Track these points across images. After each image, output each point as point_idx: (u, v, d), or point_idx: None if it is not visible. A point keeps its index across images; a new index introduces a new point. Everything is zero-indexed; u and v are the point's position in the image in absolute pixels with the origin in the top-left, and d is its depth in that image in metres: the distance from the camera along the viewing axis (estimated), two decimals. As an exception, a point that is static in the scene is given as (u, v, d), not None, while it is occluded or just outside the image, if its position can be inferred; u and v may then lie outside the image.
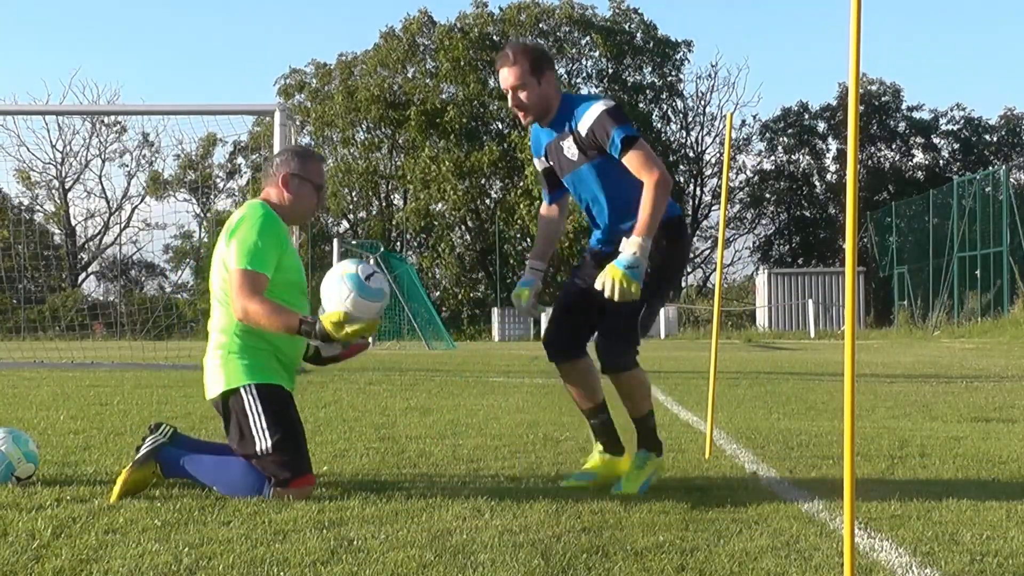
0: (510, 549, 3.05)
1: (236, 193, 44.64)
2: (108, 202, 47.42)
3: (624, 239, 3.82)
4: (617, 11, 43.56)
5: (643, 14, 43.92)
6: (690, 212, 45.58)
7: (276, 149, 10.88)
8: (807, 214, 46.47)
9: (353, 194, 44.51)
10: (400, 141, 43.13)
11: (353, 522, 3.42)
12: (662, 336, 32.73)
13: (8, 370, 12.29)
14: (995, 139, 46.34)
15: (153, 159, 47.33)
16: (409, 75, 43.01)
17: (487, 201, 42.59)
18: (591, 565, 2.89)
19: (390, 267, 26.29)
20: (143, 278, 49.43)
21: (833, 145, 46.00)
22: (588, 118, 3.92)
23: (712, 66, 63.09)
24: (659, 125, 44.76)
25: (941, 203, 31.85)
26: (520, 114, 4.11)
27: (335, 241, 24.20)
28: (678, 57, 44.22)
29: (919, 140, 46.41)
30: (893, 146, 46.30)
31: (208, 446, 4.25)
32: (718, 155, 44.99)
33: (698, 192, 45.79)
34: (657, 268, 3.93)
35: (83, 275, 46.59)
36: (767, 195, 46.60)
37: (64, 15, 71.97)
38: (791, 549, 3.07)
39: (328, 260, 29.07)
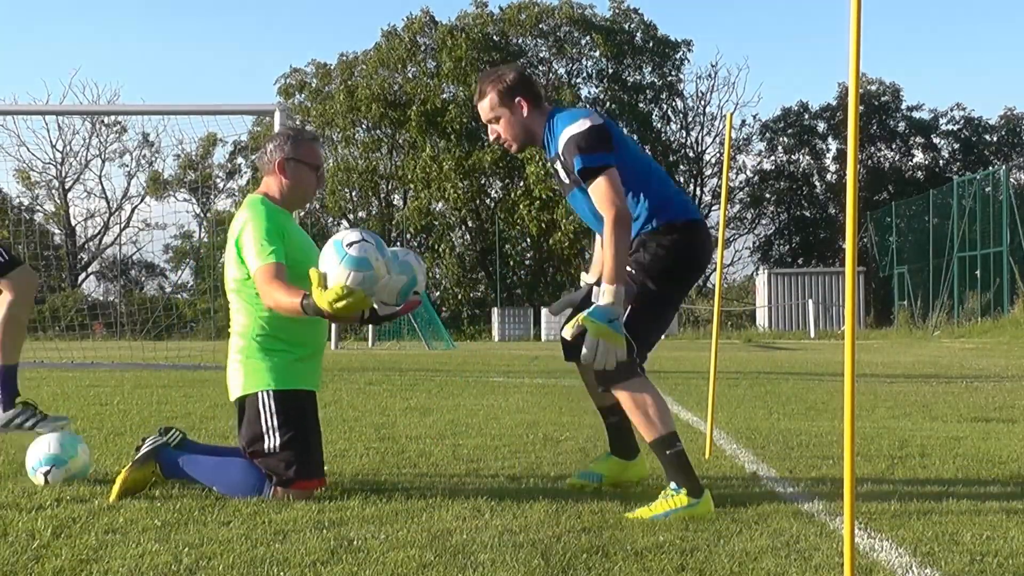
0: (510, 549, 3.05)
1: (236, 193, 44.64)
2: (108, 202, 47.45)
3: (595, 287, 3.63)
4: (617, 11, 43.56)
5: (643, 14, 43.94)
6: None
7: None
8: (807, 214, 46.46)
9: (353, 194, 44.51)
10: (400, 141, 43.12)
11: (353, 522, 3.42)
12: (662, 336, 32.69)
13: (8, 370, 12.28)
14: (995, 139, 46.32)
15: (153, 159, 47.35)
16: (410, 75, 43.01)
17: (487, 201, 42.58)
18: (591, 565, 2.89)
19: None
20: (143, 278, 49.45)
21: (833, 145, 46.02)
22: (561, 143, 3.72)
23: (712, 66, 63.03)
24: (659, 125, 44.75)
25: (941, 203, 31.86)
26: (505, 146, 3.96)
27: (335, 241, 24.10)
28: (678, 57, 44.21)
29: (919, 140, 46.40)
30: (893, 146, 46.30)
31: (212, 449, 4.26)
32: (718, 155, 45.00)
33: (698, 192, 45.78)
34: (661, 272, 3.73)
35: (83, 275, 46.59)
36: (767, 195, 46.59)
37: (64, 15, 71.98)
38: (791, 549, 3.07)
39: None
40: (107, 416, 6.81)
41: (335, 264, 3.51)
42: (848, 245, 2.72)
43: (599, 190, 3.59)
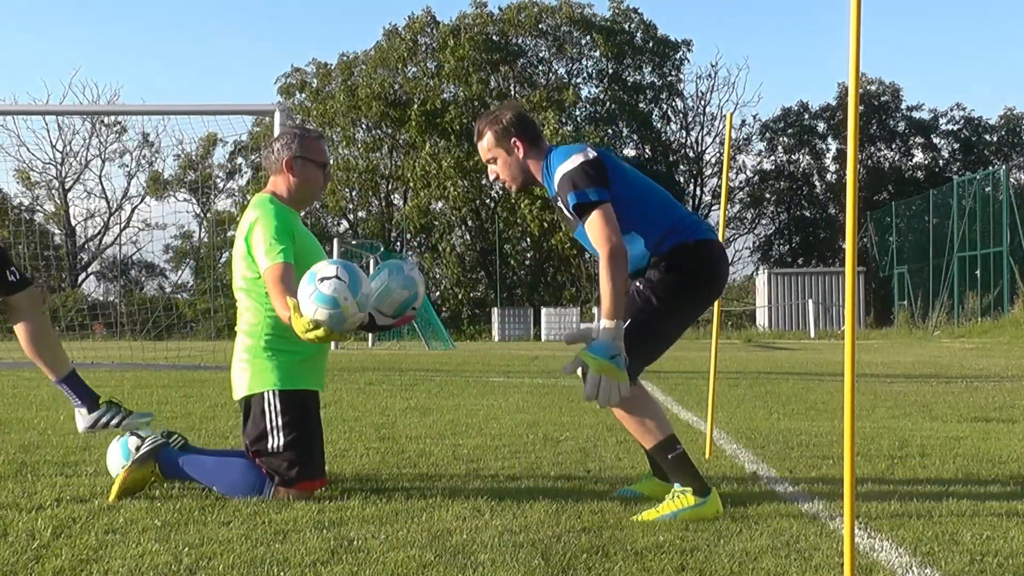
0: (510, 549, 3.05)
1: (236, 193, 44.66)
2: (108, 202, 47.46)
3: (595, 324, 3.59)
4: (617, 11, 43.56)
5: (643, 14, 43.96)
6: (696, 213, 45.56)
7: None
8: (807, 214, 46.47)
9: (353, 194, 44.52)
10: (400, 141, 43.14)
11: (353, 522, 3.42)
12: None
13: (8, 370, 12.29)
14: (995, 139, 46.33)
15: (153, 159, 47.37)
16: (410, 75, 43.02)
17: (488, 201, 42.59)
18: (591, 565, 2.89)
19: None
20: (143, 278, 49.45)
21: (833, 145, 46.03)
22: (555, 183, 3.69)
23: (712, 66, 63.11)
24: (659, 125, 44.77)
25: (941, 203, 31.86)
26: (505, 185, 3.92)
27: (335, 241, 24.20)
28: (678, 57, 44.23)
29: (919, 140, 46.40)
30: (893, 146, 46.30)
31: (212, 452, 4.26)
32: (718, 155, 45.01)
33: (698, 192, 45.81)
34: (668, 289, 3.69)
35: (83, 275, 46.59)
36: (767, 195, 46.60)
37: (64, 15, 72.00)
38: (791, 549, 3.07)
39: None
40: (107, 416, 6.80)
41: (306, 296, 3.48)
42: (848, 245, 2.72)
43: (593, 226, 3.56)
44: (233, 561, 2.91)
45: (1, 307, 4.27)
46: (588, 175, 3.61)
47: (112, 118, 45.34)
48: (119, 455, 4.09)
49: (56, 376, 4.28)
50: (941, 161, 46.54)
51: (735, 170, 45.02)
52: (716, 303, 5.42)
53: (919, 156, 46.89)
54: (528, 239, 41.32)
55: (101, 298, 41.91)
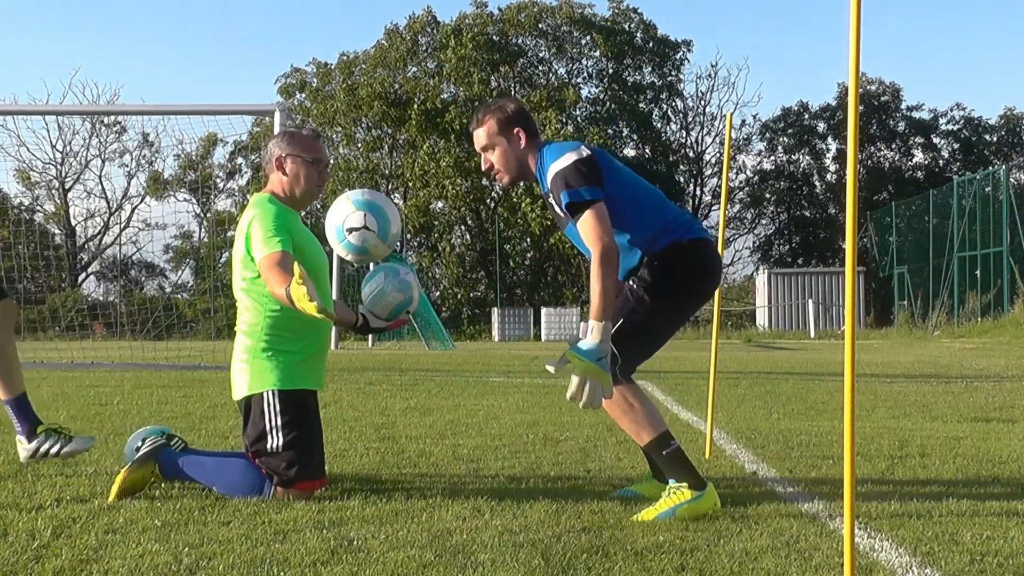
0: (510, 549, 3.05)
1: (236, 193, 44.64)
2: (108, 202, 47.44)
3: (583, 324, 3.67)
4: (617, 11, 43.56)
5: (643, 14, 43.95)
6: (690, 212, 45.54)
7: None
8: (807, 214, 46.46)
9: (353, 194, 44.48)
10: (400, 141, 43.14)
11: (353, 522, 3.42)
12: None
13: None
14: (995, 139, 46.31)
15: (153, 159, 47.35)
16: (410, 74, 43.03)
17: (488, 201, 42.60)
18: (591, 565, 2.89)
19: (390, 267, 26.25)
20: (143, 278, 49.43)
21: (833, 145, 46.00)
22: (548, 180, 3.67)
23: (712, 66, 63.06)
24: (659, 125, 44.75)
25: (941, 203, 31.85)
26: (496, 177, 3.88)
27: (335, 241, 24.12)
28: (678, 57, 44.22)
29: (919, 140, 46.38)
30: (893, 146, 46.28)
31: (212, 453, 4.26)
32: (718, 155, 44.99)
33: (698, 192, 45.80)
34: (660, 287, 3.67)
35: (83, 275, 46.58)
36: (767, 195, 46.58)
37: (64, 15, 71.99)
38: (791, 549, 3.07)
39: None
40: (107, 416, 6.82)
41: (336, 245, 3.82)
42: (848, 245, 2.72)
43: (585, 225, 3.53)
44: (233, 561, 2.91)
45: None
46: (581, 173, 3.59)
47: (112, 118, 45.33)
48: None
49: (5, 396, 4.22)
50: (941, 161, 46.53)
51: (735, 170, 45.03)
52: (716, 303, 5.43)
53: (919, 156, 46.90)
54: (528, 239, 41.30)
55: (101, 298, 41.94)
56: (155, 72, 71.97)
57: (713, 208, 45.10)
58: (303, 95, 44.40)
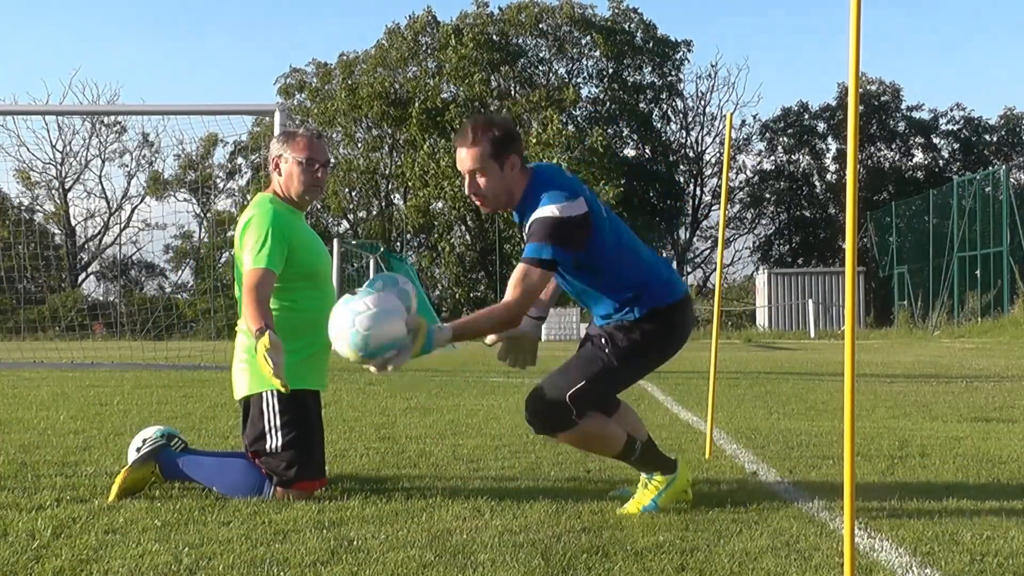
0: (510, 549, 3.05)
1: (236, 193, 44.62)
2: (108, 202, 47.44)
3: (534, 320, 3.77)
4: (617, 11, 43.58)
5: (643, 14, 43.97)
6: (690, 212, 45.60)
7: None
8: (807, 214, 46.46)
9: (353, 194, 44.52)
10: (400, 141, 43.15)
11: (353, 522, 3.42)
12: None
13: (8, 370, 12.29)
14: (995, 139, 46.32)
15: (153, 159, 47.34)
16: (410, 74, 43.05)
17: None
18: (591, 565, 2.89)
19: (390, 267, 26.27)
20: (143, 278, 49.42)
21: (833, 145, 46.02)
22: (529, 220, 3.50)
23: (712, 66, 63.05)
24: (659, 125, 44.76)
25: (941, 203, 31.85)
26: (477, 202, 3.64)
27: (335, 241, 24.16)
28: (678, 57, 44.23)
29: (919, 140, 46.39)
30: (893, 146, 46.29)
31: (212, 453, 4.26)
32: (718, 155, 44.99)
33: (698, 192, 45.81)
34: (631, 355, 3.63)
35: (83, 275, 46.58)
36: (767, 195, 46.59)
37: (64, 15, 71.99)
38: (791, 549, 3.07)
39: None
40: (107, 416, 6.82)
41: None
42: (848, 245, 2.72)
43: (517, 274, 3.44)
44: (233, 561, 2.91)
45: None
46: (560, 233, 3.41)
47: (112, 118, 45.32)
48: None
49: None
50: (941, 161, 46.53)
51: (735, 170, 45.03)
52: (716, 303, 5.44)
53: (919, 156, 46.91)
54: (528, 239, 41.27)
55: (101, 298, 41.92)
56: (155, 72, 72.01)
57: (713, 208, 45.11)
58: (303, 95, 44.41)
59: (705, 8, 66.83)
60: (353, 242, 33.02)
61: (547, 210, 3.43)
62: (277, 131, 11.67)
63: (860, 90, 2.92)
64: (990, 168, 36.17)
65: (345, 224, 45.35)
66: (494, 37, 42.13)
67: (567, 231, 3.43)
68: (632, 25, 43.81)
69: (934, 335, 26.35)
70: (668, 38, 43.92)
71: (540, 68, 43.68)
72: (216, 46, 74.34)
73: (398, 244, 42.74)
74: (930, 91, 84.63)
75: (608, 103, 43.77)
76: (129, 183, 48.21)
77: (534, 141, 38.95)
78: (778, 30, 68.19)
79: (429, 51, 42.97)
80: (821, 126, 46.33)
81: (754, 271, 43.33)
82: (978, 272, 27.79)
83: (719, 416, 6.35)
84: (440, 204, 41.73)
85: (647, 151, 44.92)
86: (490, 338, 3.66)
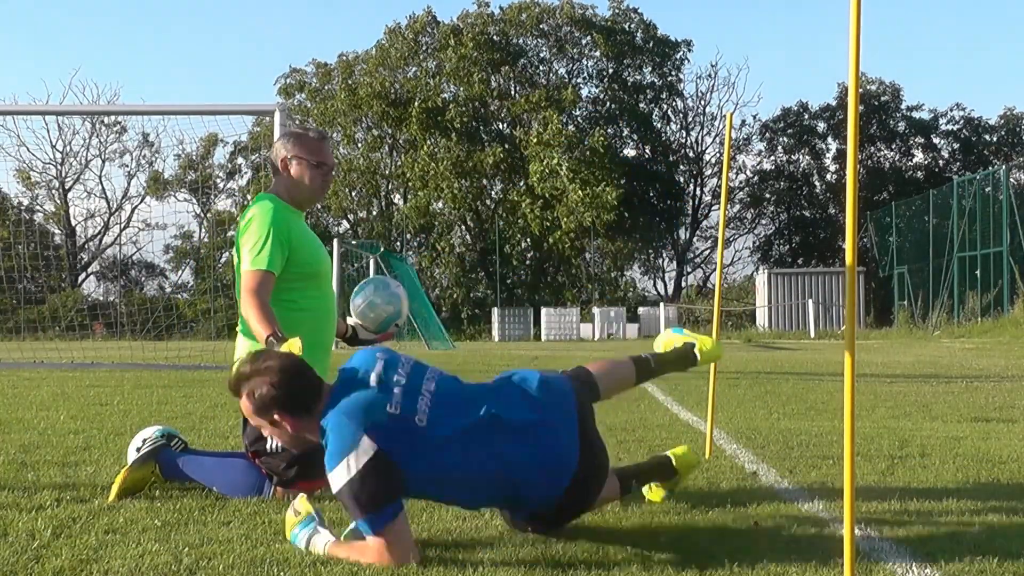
0: (510, 549, 3.05)
1: (236, 193, 44.65)
2: (108, 202, 47.46)
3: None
4: (617, 11, 43.61)
5: (643, 14, 44.00)
6: (690, 212, 45.60)
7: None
8: (807, 214, 46.46)
9: (353, 193, 44.53)
10: (400, 141, 43.15)
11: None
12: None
13: (8, 370, 12.29)
14: (995, 139, 46.32)
15: (153, 159, 47.36)
16: (410, 74, 43.06)
17: (487, 201, 42.61)
18: (591, 565, 2.89)
19: (390, 267, 26.28)
20: (143, 278, 49.43)
21: (833, 145, 46.03)
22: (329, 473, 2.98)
23: (712, 66, 63.15)
24: (659, 125, 44.77)
25: (941, 203, 31.85)
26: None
27: (335, 241, 24.19)
28: (678, 57, 44.25)
29: (919, 140, 46.39)
30: (893, 146, 46.29)
31: (212, 453, 4.26)
32: (718, 155, 45.00)
33: (698, 192, 45.81)
34: None
35: (83, 275, 46.59)
36: (767, 195, 46.60)
37: (64, 15, 71.99)
38: (791, 549, 3.07)
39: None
40: (107, 416, 6.81)
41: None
42: (848, 245, 2.72)
43: (377, 546, 2.89)
44: (233, 561, 2.91)
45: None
46: (364, 497, 2.88)
47: (112, 118, 45.35)
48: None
49: None
50: (941, 161, 46.53)
51: (735, 170, 45.03)
52: (716, 303, 5.44)
53: (919, 156, 46.91)
54: (528, 239, 41.31)
55: (101, 298, 41.95)
56: (155, 72, 72.00)
57: (713, 208, 45.12)
58: (303, 95, 44.42)
59: (705, 8, 66.87)
60: (353, 242, 33.02)
61: (338, 474, 2.92)
62: (277, 131, 11.67)
63: (860, 90, 2.92)
64: (990, 168, 36.17)
65: (345, 224, 45.36)
66: (494, 37, 42.15)
67: (368, 488, 2.88)
68: (632, 25, 43.84)
69: (934, 335, 26.35)
70: (668, 38, 43.96)
71: (540, 68, 43.70)
72: (216, 46, 74.35)
73: (398, 244, 42.75)
74: (930, 91, 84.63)
75: (608, 103, 43.78)
76: (129, 183, 48.27)
77: (534, 141, 38.95)
78: (778, 30, 68.23)
79: (429, 51, 42.98)
80: (821, 126, 46.35)
81: (754, 271, 43.33)
82: (978, 272, 27.79)
83: (719, 416, 6.35)
84: (440, 204, 41.75)
85: (647, 151, 44.93)
86: None
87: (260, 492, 3.80)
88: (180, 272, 49.12)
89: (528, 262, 42.51)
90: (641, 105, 43.99)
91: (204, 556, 2.96)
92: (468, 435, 2.99)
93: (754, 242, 47.10)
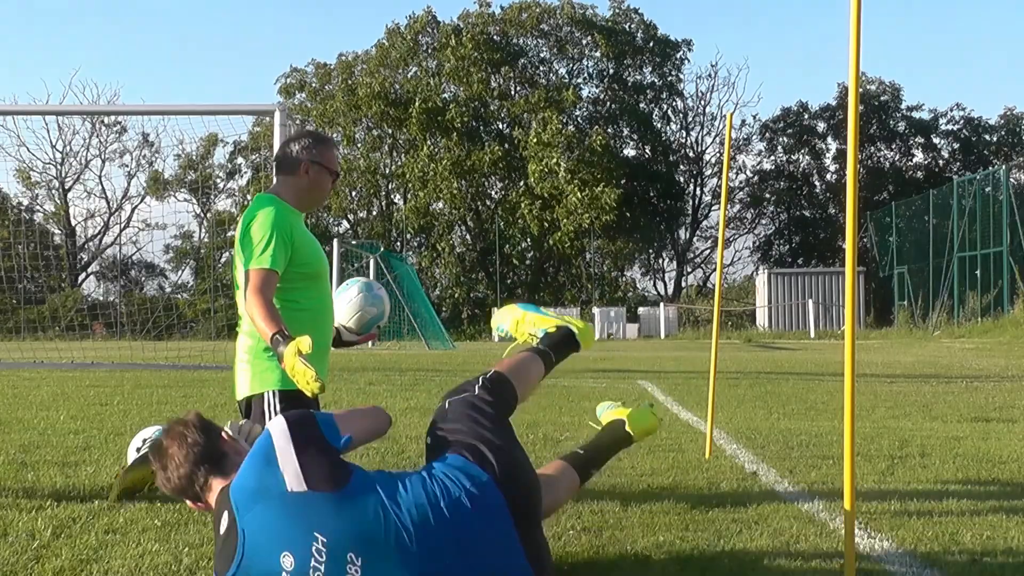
0: (510, 549, 3.04)
1: (236, 193, 44.64)
2: (108, 202, 47.46)
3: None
4: (617, 11, 43.63)
5: (643, 14, 44.01)
6: (690, 212, 45.61)
7: (276, 149, 10.88)
8: (807, 214, 46.47)
9: (353, 193, 44.55)
10: (400, 141, 43.17)
11: (353, 522, 3.41)
12: (662, 336, 32.73)
13: (8, 370, 12.29)
14: (995, 139, 46.32)
15: (153, 159, 47.35)
16: (410, 74, 43.08)
17: (487, 201, 42.62)
18: (591, 565, 2.89)
19: (390, 267, 26.29)
20: (143, 278, 49.43)
21: (833, 145, 46.02)
22: None
23: (712, 66, 63.15)
24: (659, 125, 44.77)
25: (941, 203, 31.85)
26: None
27: (335, 241, 24.20)
28: (678, 57, 44.27)
29: (919, 140, 46.39)
30: (893, 146, 46.29)
31: None
32: (718, 155, 45.00)
33: (698, 192, 45.81)
34: None
35: (83, 275, 46.60)
36: (767, 195, 46.60)
37: (64, 15, 71.98)
38: (791, 549, 3.07)
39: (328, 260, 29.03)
40: (107, 416, 6.81)
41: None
42: (848, 245, 2.72)
43: None
44: (233, 561, 2.90)
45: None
46: None
47: (112, 118, 45.35)
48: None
49: None
50: (941, 161, 46.54)
51: (735, 170, 45.04)
52: (716, 303, 5.44)
53: (919, 156, 46.91)
54: (528, 239, 41.31)
55: (101, 298, 41.94)
56: (155, 72, 72.00)
57: (713, 208, 45.11)
58: (303, 95, 44.44)
59: (705, 8, 66.86)
60: (353, 242, 33.04)
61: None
62: (277, 131, 11.65)
63: (860, 90, 2.92)
64: (990, 168, 36.18)
65: (345, 224, 45.37)
66: (495, 37, 42.17)
67: None
68: (633, 25, 43.85)
69: (934, 335, 26.36)
70: (668, 38, 43.96)
71: (540, 68, 43.72)
72: (216, 46, 74.35)
73: (398, 244, 42.77)
74: (930, 91, 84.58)
75: (608, 103, 43.79)
76: (129, 183, 48.27)
77: (533, 141, 38.95)
78: (778, 30, 68.19)
79: (429, 51, 43.00)
80: (821, 126, 46.35)
81: (754, 271, 43.35)
82: (978, 272, 27.79)
83: (719, 416, 6.35)
84: (440, 204, 41.77)
85: (647, 151, 44.93)
86: None
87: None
88: (180, 272, 49.16)
89: (528, 262, 42.53)
90: (641, 105, 44.00)
91: (204, 556, 2.95)
92: None
93: (754, 242, 47.13)
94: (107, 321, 23.45)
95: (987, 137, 46.38)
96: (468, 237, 43.22)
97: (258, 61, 74.50)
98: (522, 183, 40.49)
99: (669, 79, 44.44)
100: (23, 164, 45.00)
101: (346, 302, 3.99)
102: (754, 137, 46.73)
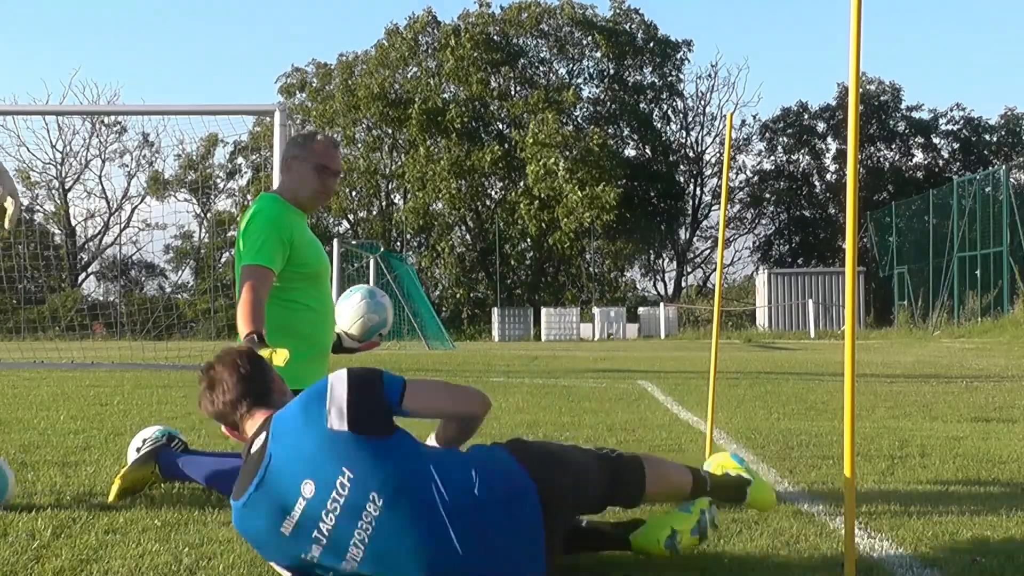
0: (510, 549, 3.04)
1: (236, 193, 44.64)
2: (108, 202, 47.47)
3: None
4: (618, 11, 43.64)
5: (643, 14, 44.02)
6: (690, 212, 45.61)
7: (276, 149, 10.88)
8: (807, 214, 46.47)
9: (353, 194, 44.55)
10: (400, 141, 43.17)
11: (353, 522, 3.41)
12: (662, 336, 32.73)
13: (8, 370, 12.29)
14: (995, 139, 46.32)
15: (153, 159, 47.35)
16: (410, 75, 43.07)
17: (487, 201, 42.62)
18: (591, 565, 2.89)
19: (390, 267, 26.28)
20: (143, 278, 49.44)
21: (833, 145, 46.04)
22: None
23: (712, 66, 63.17)
24: (659, 125, 44.78)
25: (941, 203, 31.85)
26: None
27: (335, 241, 24.19)
28: (678, 57, 44.28)
29: (919, 140, 46.40)
30: (893, 146, 46.30)
31: (212, 453, 4.26)
32: (718, 155, 45.01)
33: (698, 192, 45.82)
34: None
35: (83, 275, 46.61)
36: (767, 195, 46.60)
37: (64, 15, 72.00)
38: (791, 549, 3.07)
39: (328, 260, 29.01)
40: (107, 416, 6.81)
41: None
42: (848, 245, 2.72)
43: None
44: (233, 561, 2.90)
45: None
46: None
47: (112, 118, 45.35)
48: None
49: None
50: (941, 161, 46.54)
51: (735, 170, 45.05)
52: (716, 303, 5.43)
53: (919, 156, 46.93)
54: (528, 239, 41.32)
55: (101, 298, 41.94)
56: (155, 72, 72.00)
57: (713, 208, 45.11)
58: (303, 95, 44.43)
59: (705, 8, 66.87)
60: (353, 242, 33.03)
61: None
62: (277, 131, 11.65)
63: (860, 90, 2.92)
64: (990, 168, 36.17)
65: (345, 224, 45.36)
66: (495, 37, 42.16)
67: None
68: (633, 25, 43.86)
69: (934, 335, 26.35)
70: (669, 38, 43.98)
71: (540, 68, 43.71)
72: (217, 46, 74.35)
73: (398, 244, 42.77)
74: (930, 91, 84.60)
75: (609, 103, 43.79)
76: (129, 183, 48.28)
77: (531, 141, 38.95)
78: (778, 30, 68.20)
79: (429, 51, 42.99)
80: (821, 126, 46.36)
81: (754, 271, 43.35)
82: (978, 272, 27.79)
83: (719, 416, 6.35)
84: (440, 204, 41.77)
85: (647, 151, 44.93)
86: None
87: (260, 492, 3.80)
88: (180, 272, 49.15)
89: (528, 262, 42.53)
90: (641, 105, 44.01)
91: (204, 556, 2.96)
92: None
93: (754, 242, 47.15)
94: (107, 321, 23.44)
95: (987, 137, 46.38)
96: (468, 237, 43.21)
97: (258, 61, 74.52)
98: (522, 183, 40.50)
99: (669, 79, 44.45)
100: (23, 164, 45.01)
101: (349, 308, 3.98)
102: (754, 137, 46.76)
